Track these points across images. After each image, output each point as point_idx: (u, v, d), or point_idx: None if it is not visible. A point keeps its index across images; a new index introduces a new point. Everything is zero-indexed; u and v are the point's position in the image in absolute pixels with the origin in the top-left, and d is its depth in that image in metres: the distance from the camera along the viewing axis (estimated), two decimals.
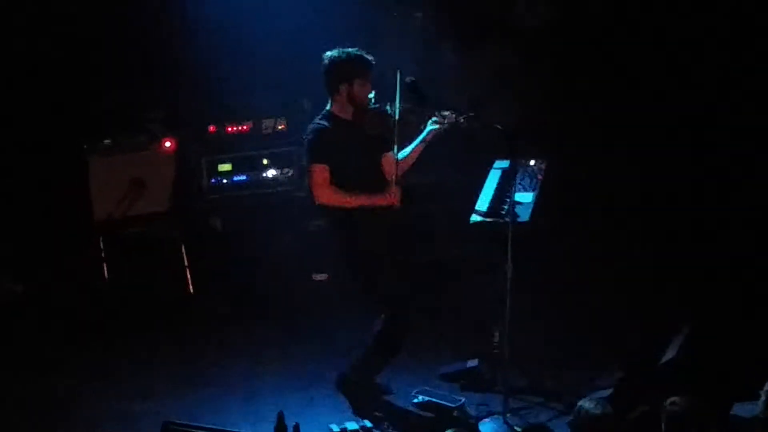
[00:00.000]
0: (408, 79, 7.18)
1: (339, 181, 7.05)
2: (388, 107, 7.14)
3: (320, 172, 7.02)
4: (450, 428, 6.78)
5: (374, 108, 7.19)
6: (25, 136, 8.84)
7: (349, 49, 7.13)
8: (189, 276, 9.02)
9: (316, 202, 7.12)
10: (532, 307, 8.16)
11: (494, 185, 7.47)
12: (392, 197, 7.09)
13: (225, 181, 9.21)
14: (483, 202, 7.39)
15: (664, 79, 9.05)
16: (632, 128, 9.09)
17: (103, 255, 8.86)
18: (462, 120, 7.18)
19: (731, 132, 8.73)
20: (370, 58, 7.13)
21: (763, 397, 5.51)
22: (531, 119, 8.94)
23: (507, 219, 7.05)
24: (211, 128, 9.20)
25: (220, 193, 9.21)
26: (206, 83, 9.12)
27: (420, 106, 7.22)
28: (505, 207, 7.16)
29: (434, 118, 7.20)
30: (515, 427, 7.02)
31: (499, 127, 7.07)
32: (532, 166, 7.54)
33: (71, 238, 8.94)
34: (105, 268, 8.85)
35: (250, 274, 9.17)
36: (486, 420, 7.20)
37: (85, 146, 8.80)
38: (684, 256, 8.61)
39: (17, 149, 8.83)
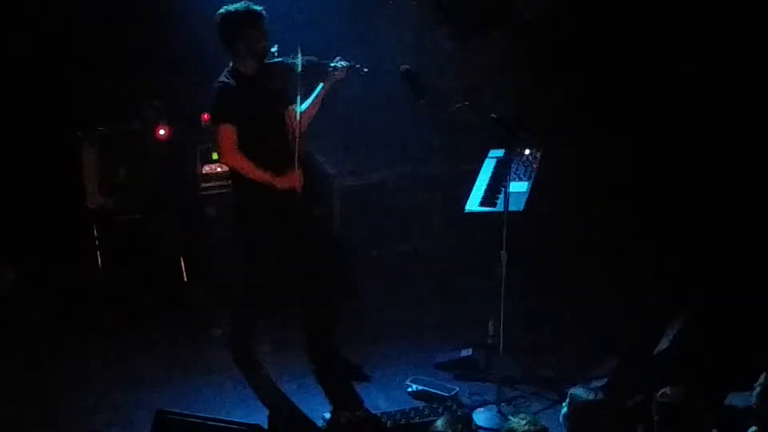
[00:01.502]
0: (402, 68, 7.18)
1: (244, 138, 7.07)
2: (290, 60, 7.14)
3: (227, 134, 7.06)
4: (443, 417, 6.78)
5: (275, 61, 7.19)
6: (19, 124, 8.80)
7: (236, 4, 7.15)
8: (183, 264, 9.00)
9: (221, 161, 7.23)
10: (526, 297, 8.17)
11: (489, 175, 7.47)
12: (294, 180, 7.12)
13: (219, 169, 9.17)
14: (477, 192, 7.39)
15: (660, 68, 9.03)
16: (629, 118, 9.08)
17: (96, 243, 8.83)
18: (363, 69, 7.21)
19: (730, 122, 8.72)
20: (258, 8, 7.14)
21: (758, 389, 5.52)
22: (526, 108, 8.93)
23: (501, 208, 7.05)
24: (205, 116, 9.15)
25: (214, 180, 9.17)
26: (201, 71, 9.07)
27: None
28: (500, 196, 7.16)
29: (333, 64, 7.26)
30: (509, 417, 7.02)
31: (494, 116, 7.06)
32: (527, 155, 7.53)
33: (65, 225, 8.91)
34: (98, 256, 8.83)
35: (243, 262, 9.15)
36: (480, 409, 7.22)
37: (80, 134, 8.77)
38: (679, 246, 8.61)
39: (11, 137, 8.80)
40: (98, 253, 8.83)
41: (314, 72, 7.31)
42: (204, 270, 9.07)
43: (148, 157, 8.92)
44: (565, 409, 5.80)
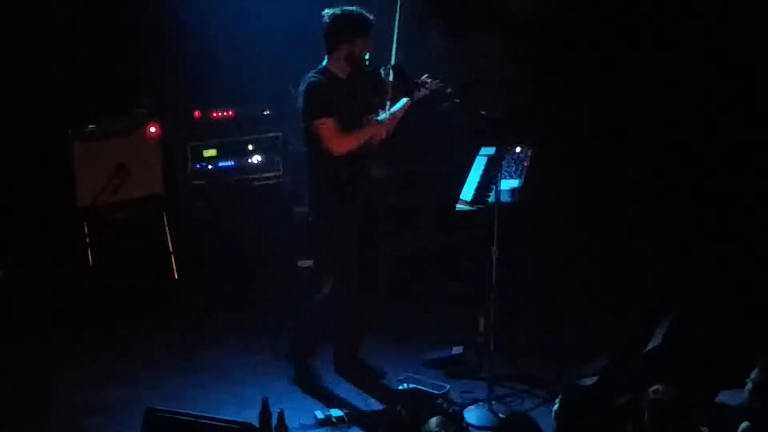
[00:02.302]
0: (392, 64, 7.16)
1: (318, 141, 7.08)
2: (381, 71, 7.14)
3: (329, 126, 6.99)
4: (434, 416, 6.77)
5: (370, 70, 7.19)
6: (9, 121, 8.78)
7: (351, 8, 7.11)
8: (174, 262, 8.99)
9: (335, 154, 7.05)
10: (517, 295, 8.16)
11: (480, 172, 7.46)
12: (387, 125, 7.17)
13: (210, 166, 9.17)
14: (468, 190, 7.39)
15: (654, 66, 9.03)
16: (622, 116, 9.08)
17: (87, 240, 8.81)
18: (445, 87, 7.21)
19: (726, 122, 8.72)
20: (371, 17, 7.12)
21: (749, 385, 5.52)
22: (518, 106, 8.92)
23: (492, 207, 7.04)
24: (196, 114, 9.16)
25: (205, 178, 9.17)
26: (191, 68, 9.07)
27: (406, 90, 7.20)
28: (491, 194, 7.16)
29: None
30: (500, 415, 7.03)
31: (484, 113, 7.05)
32: (518, 152, 7.53)
33: (55, 223, 8.89)
34: (89, 254, 8.81)
35: (235, 260, 9.14)
36: (471, 407, 7.22)
37: (70, 131, 8.75)
38: (670, 243, 8.61)
39: (0, 135, 8.77)
40: (89, 251, 8.81)
41: (405, 86, 7.29)
42: (195, 268, 9.06)
43: (139, 155, 8.90)
44: (556, 407, 5.80)
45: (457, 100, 7.25)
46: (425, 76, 7.30)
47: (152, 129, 8.91)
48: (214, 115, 9.21)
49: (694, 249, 8.42)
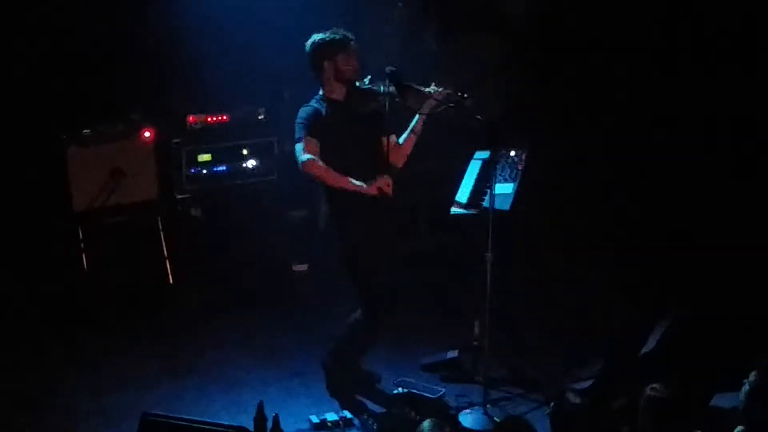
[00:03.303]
0: (388, 69, 7.16)
1: (338, 161, 6.98)
2: (381, 87, 7.14)
3: (310, 144, 6.95)
4: (429, 419, 6.77)
5: (366, 87, 7.19)
6: (3, 126, 8.78)
7: (325, 32, 7.13)
8: (169, 266, 8.99)
9: (304, 171, 6.98)
10: (512, 298, 8.17)
11: (474, 176, 7.47)
12: (384, 187, 7.00)
13: (205, 171, 9.18)
14: (463, 194, 7.40)
15: (650, 68, 9.04)
16: (618, 118, 9.08)
17: (82, 245, 8.81)
18: (461, 94, 7.18)
19: (724, 122, 8.73)
20: (347, 33, 7.13)
21: (746, 388, 5.50)
22: (512, 109, 8.93)
23: (487, 211, 7.05)
24: (191, 118, 9.16)
25: (200, 183, 9.17)
26: (185, 73, 9.08)
27: (401, 95, 7.19)
28: (485, 198, 7.16)
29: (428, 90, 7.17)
30: (495, 418, 7.03)
31: (479, 117, 7.06)
32: (512, 156, 7.54)
33: (50, 228, 8.89)
34: (84, 259, 8.81)
35: (230, 264, 9.14)
36: (466, 411, 7.21)
37: (64, 136, 8.75)
38: (666, 245, 8.61)
39: None
40: (84, 255, 8.81)
41: (412, 100, 7.22)
42: (190, 273, 9.06)
43: (134, 160, 8.90)
44: (551, 411, 5.81)
45: (452, 105, 7.24)
46: (432, 85, 7.25)
47: (147, 134, 8.92)
48: (209, 119, 9.22)
49: (691, 251, 8.41)
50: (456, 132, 8.37)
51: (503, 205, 7.17)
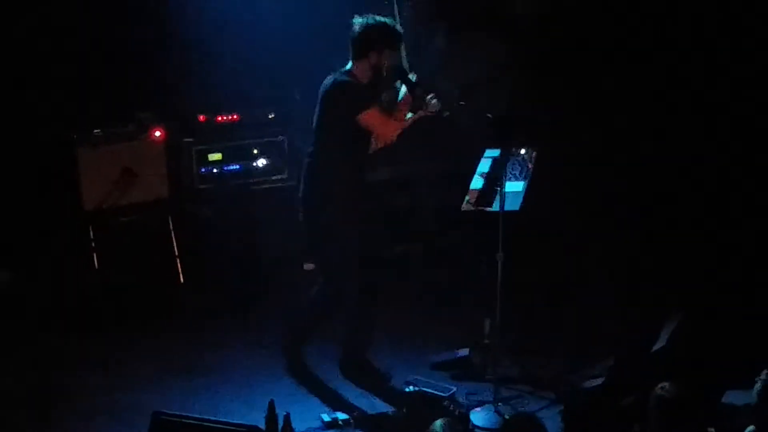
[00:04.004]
0: (395, 67, 7.18)
1: (343, 135, 7.17)
2: (399, 86, 7.20)
3: (377, 114, 7.14)
4: (441, 418, 6.78)
5: (393, 82, 7.26)
6: (14, 127, 8.79)
7: (384, 18, 7.20)
8: (179, 265, 9.00)
9: (388, 142, 7.31)
10: (523, 296, 8.17)
11: (484, 174, 7.46)
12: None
13: (215, 170, 9.18)
14: (473, 192, 7.39)
15: (658, 67, 9.03)
16: (626, 117, 9.07)
17: (93, 245, 8.82)
18: (445, 113, 7.23)
19: (729, 122, 8.71)
20: (401, 30, 7.23)
21: (758, 386, 5.50)
22: (522, 108, 8.93)
23: (497, 208, 7.05)
24: (201, 117, 9.16)
25: (211, 182, 9.17)
26: (196, 73, 9.09)
27: (410, 93, 7.21)
28: (496, 196, 7.16)
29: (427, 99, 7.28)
30: (505, 416, 7.03)
31: (489, 115, 7.06)
32: (522, 154, 7.54)
33: (61, 227, 8.90)
34: (95, 258, 8.81)
35: (241, 263, 9.15)
36: (477, 409, 7.21)
37: (75, 136, 8.76)
38: (676, 244, 8.60)
39: (6, 139, 8.79)
40: (94, 255, 8.82)
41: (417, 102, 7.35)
42: (201, 272, 9.07)
43: (144, 159, 8.91)
44: (562, 409, 5.80)
45: (462, 102, 7.25)
46: (430, 96, 7.30)
47: (157, 133, 8.92)
48: (219, 119, 9.22)
49: (700, 249, 8.40)
50: (466, 130, 8.38)
51: (513, 205, 7.17)
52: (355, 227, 7.30)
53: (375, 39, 7.14)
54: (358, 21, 7.19)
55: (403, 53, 7.30)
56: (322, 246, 7.47)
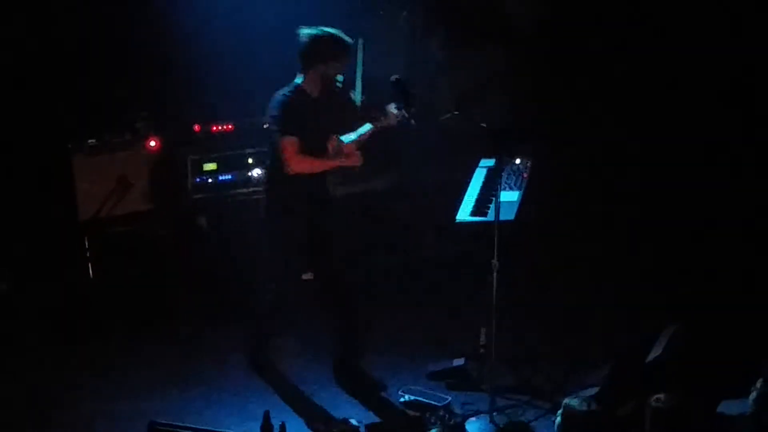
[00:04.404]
0: (393, 78, 7.19)
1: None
2: (351, 94, 7.24)
3: (291, 144, 7.15)
4: (436, 427, 6.78)
5: (340, 91, 7.28)
6: (9, 136, 8.78)
7: (330, 29, 7.21)
8: (175, 275, 8.98)
9: (290, 173, 7.23)
10: (518, 306, 8.17)
11: (480, 184, 7.48)
12: (356, 158, 7.37)
13: (210, 180, 9.16)
14: (468, 201, 7.40)
15: (656, 74, 9.04)
16: (624, 126, 9.09)
17: (88, 254, 8.81)
18: (409, 119, 7.26)
19: (730, 128, 8.73)
20: (349, 41, 7.24)
21: (754, 394, 5.50)
22: (518, 117, 8.94)
23: (492, 218, 7.05)
24: (196, 127, 9.16)
25: (206, 192, 9.16)
26: (191, 82, 9.09)
27: (406, 104, 7.23)
28: (491, 206, 7.17)
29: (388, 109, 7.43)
30: (501, 426, 7.02)
31: (484, 125, 7.07)
32: (517, 164, 7.55)
33: (56, 237, 8.89)
34: (90, 268, 8.81)
35: (236, 272, 9.14)
36: (472, 419, 7.20)
37: (70, 145, 8.76)
38: (672, 253, 8.61)
39: (1, 148, 8.78)
40: (89, 264, 8.81)
41: (373, 111, 7.48)
42: (197, 281, 9.06)
43: (139, 169, 8.91)
44: (558, 419, 5.80)
45: (456, 112, 7.26)
46: (392, 105, 7.39)
47: (152, 143, 8.92)
48: (214, 128, 9.21)
49: (696, 256, 8.41)
50: (461, 140, 8.39)
51: (508, 215, 7.18)
52: (285, 239, 7.47)
53: (321, 51, 7.19)
54: (304, 32, 7.23)
55: (359, 68, 7.34)
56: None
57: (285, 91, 7.27)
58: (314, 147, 7.28)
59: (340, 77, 7.35)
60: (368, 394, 7.55)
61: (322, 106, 7.31)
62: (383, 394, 7.60)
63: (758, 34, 8.60)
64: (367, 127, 7.50)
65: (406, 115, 7.31)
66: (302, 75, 7.28)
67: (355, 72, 7.34)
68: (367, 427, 7.09)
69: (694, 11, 8.82)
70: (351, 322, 7.68)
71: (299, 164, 7.18)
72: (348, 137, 7.40)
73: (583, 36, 9.21)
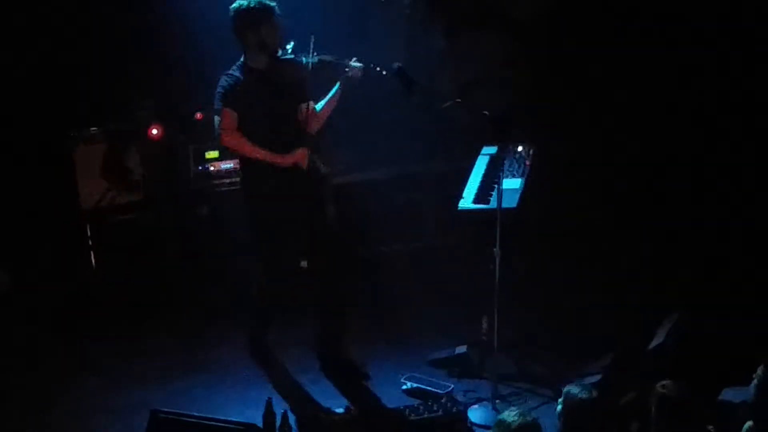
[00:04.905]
0: (395, 65, 7.18)
1: (249, 132, 7.23)
2: (303, 58, 7.24)
3: (228, 116, 7.19)
4: (438, 414, 6.79)
5: (286, 57, 7.25)
6: (11, 125, 8.79)
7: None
8: (176, 263, 8.99)
9: (221, 144, 7.43)
10: (520, 293, 8.16)
11: (482, 171, 7.47)
12: (299, 157, 7.29)
13: (212, 168, 9.17)
14: (471, 189, 7.40)
15: (658, 65, 9.02)
16: (625, 115, 9.07)
17: (90, 243, 8.82)
18: (376, 68, 7.26)
19: (730, 122, 8.71)
20: (272, 3, 7.27)
21: (755, 382, 5.50)
22: (520, 105, 8.92)
23: (494, 206, 7.04)
24: (198, 116, 9.15)
25: (208, 180, 9.16)
26: (193, 71, 9.08)
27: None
28: (493, 193, 7.16)
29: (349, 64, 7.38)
30: (513, 428, 7.00)
31: (486, 113, 7.05)
32: (519, 152, 7.55)
33: (58, 227, 8.90)
34: (92, 257, 8.82)
35: (238, 261, 9.14)
36: (474, 406, 7.21)
37: (72, 134, 8.77)
38: (673, 241, 8.61)
39: (3, 138, 8.78)
40: (92, 253, 8.82)
41: (331, 71, 7.40)
42: (198, 269, 9.06)
43: (141, 157, 8.91)
44: (559, 407, 5.79)
45: (458, 100, 7.25)
46: (353, 59, 7.40)
47: (154, 131, 8.93)
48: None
49: (697, 248, 8.41)
50: (463, 128, 8.38)
51: (510, 202, 7.18)
52: (262, 210, 7.47)
53: (246, 18, 7.22)
54: (230, 9, 7.28)
55: (312, 42, 7.33)
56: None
57: (229, 70, 7.31)
58: (276, 119, 7.28)
59: (289, 45, 7.37)
60: (349, 382, 7.55)
61: (274, 75, 7.30)
62: (366, 384, 7.59)
63: (758, 34, 8.57)
64: (336, 88, 7.48)
65: (369, 64, 7.33)
66: (244, 51, 7.32)
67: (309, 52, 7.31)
68: (362, 414, 7.10)
69: (698, 7, 8.79)
70: (336, 312, 7.64)
71: (231, 137, 7.21)
72: (319, 104, 7.45)
73: (587, 25, 9.18)
